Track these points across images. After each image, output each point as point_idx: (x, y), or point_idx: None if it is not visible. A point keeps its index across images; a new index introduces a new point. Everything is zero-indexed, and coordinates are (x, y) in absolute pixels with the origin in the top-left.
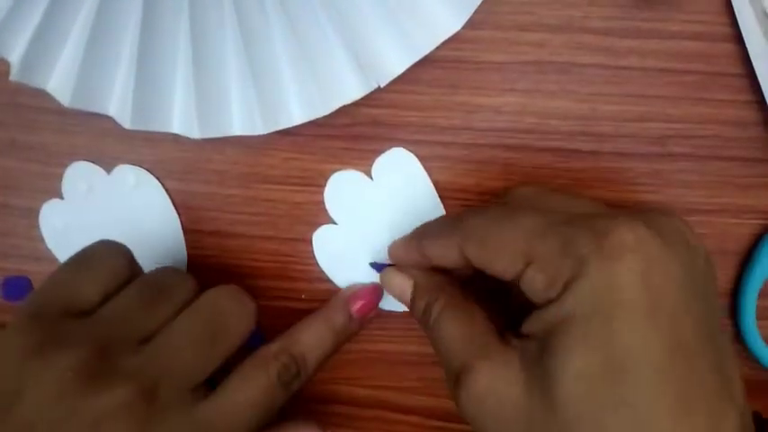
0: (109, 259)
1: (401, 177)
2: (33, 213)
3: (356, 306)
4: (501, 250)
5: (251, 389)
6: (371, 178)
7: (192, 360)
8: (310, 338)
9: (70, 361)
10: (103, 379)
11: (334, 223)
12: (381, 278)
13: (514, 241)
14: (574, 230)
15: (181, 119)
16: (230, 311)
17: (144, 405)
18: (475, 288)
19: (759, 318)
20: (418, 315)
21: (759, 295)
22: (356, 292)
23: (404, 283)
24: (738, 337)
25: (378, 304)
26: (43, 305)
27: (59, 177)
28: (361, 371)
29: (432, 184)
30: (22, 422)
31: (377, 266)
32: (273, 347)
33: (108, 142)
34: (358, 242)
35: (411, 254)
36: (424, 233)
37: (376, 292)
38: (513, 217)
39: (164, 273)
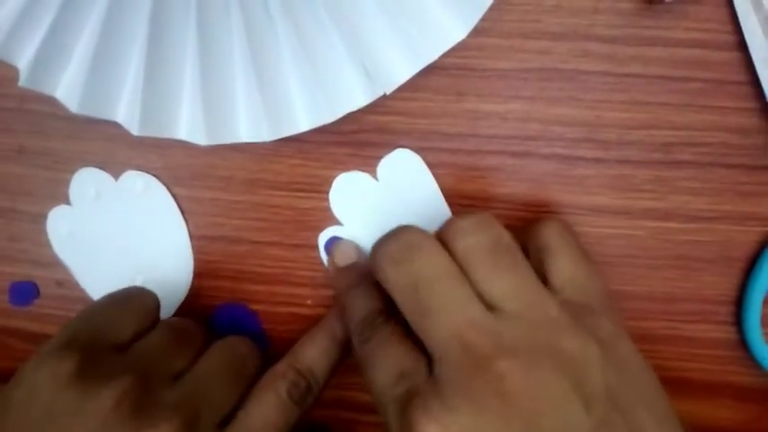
0: (142, 300)
1: (406, 178)
2: (41, 219)
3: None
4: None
5: (265, 411)
6: (377, 179)
7: (221, 395)
8: (314, 351)
9: (111, 392)
10: (146, 412)
11: (340, 224)
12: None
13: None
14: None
15: (188, 125)
16: (245, 353)
17: None
18: None
19: (764, 325)
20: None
21: (764, 302)
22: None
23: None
24: (743, 344)
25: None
26: (77, 336)
27: (67, 183)
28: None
29: (437, 184)
30: None
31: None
32: (280, 367)
33: (116, 148)
34: (363, 243)
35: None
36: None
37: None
38: None
39: (181, 320)
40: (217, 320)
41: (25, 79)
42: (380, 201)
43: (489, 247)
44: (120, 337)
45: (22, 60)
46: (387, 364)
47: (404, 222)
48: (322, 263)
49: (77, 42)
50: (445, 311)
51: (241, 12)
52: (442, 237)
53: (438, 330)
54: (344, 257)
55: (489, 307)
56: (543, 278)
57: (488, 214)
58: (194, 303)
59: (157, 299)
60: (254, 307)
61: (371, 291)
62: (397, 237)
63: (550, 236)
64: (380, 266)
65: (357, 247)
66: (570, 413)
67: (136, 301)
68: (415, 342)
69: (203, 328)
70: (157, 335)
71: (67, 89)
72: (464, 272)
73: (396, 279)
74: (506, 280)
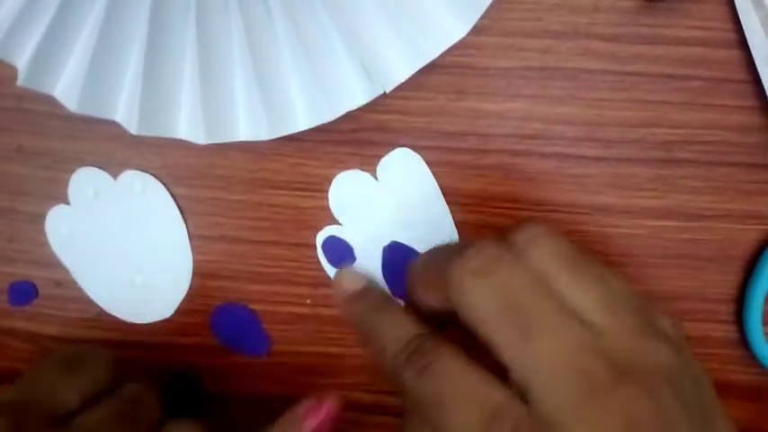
0: (94, 365)
1: (406, 177)
2: (40, 219)
3: (308, 427)
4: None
5: None
6: (376, 178)
7: None
8: None
9: None
10: None
11: (339, 224)
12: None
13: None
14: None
15: (187, 124)
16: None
17: None
18: None
19: (764, 323)
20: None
21: (765, 301)
22: (311, 409)
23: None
24: (744, 342)
25: (333, 424)
26: (14, 401)
27: (66, 183)
28: (367, 377)
29: (436, 184)
30: None
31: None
32: None
33: (114, 148)
34: (362, 242)
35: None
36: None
37: (329, 413)
38: None
39: (139, 391)
40: (216, 320)
41: (24, 78)
42: (380, 200)
43: (564, 254)
44: (62, 408)
45: (21, 60)
46: (469, 402)
47: (403, 222)
48: (321, 262)
49: (76, 41)
50: (550, 332)
51: (240, 10)
52: (510, 247)
53: (544, 355)
54: (354, 283)
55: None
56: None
57: (549, 225)
58: (194, 303)
59: (113, 362)
60: (254, 306)
61: (403, 313)
62: (474, 251)
63: (542, 258)
64: (459, 285)
65: (364, 273)
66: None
67: (86, 365)
68: (476, 360)
69: (160, 401)
70: (105, 410)
71: (66, 88)
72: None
73: (482, 295)
74: (593, 292)
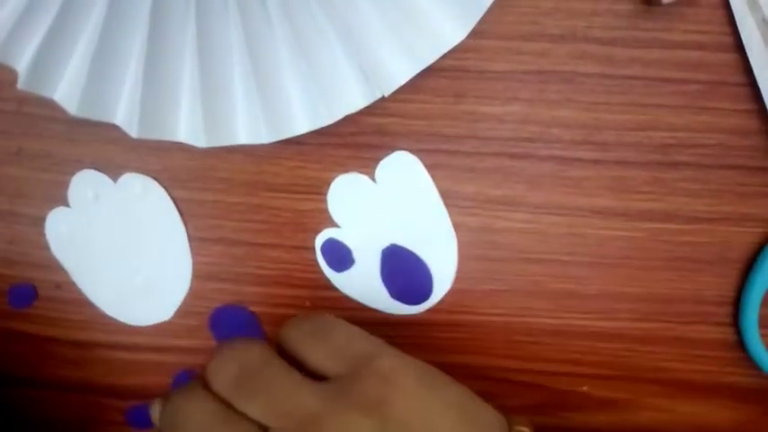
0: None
1: (405, 180)
2: (40, 221)
3: None
4: None
5: None
6: (375, 181)
7: None
8: None
9: None
10: None
11: (337, 227)
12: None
13: None
14: None
15: (187, 127)
16: None
17: None
18: None
19: (761, 326)
20: None
21: (761, 304)
22: None
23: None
24: (741, 345)
25: None
26: None
27: (66, 185)
28: None
29: (435, 187)
30: None
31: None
32: None
33: (114, 151)
34: (361, 245)
35: None
36: None
37: None
38: None
39: None
40: (216, 322)
41: (24, 82)
42: (378, 202)
43: (234, 380)
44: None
45: (21, 63)
46: None
47: (401, 225)
48: (320, 264)
49: (76, 45)
50: None
51: (240, 14)
52: (203, 383)
53: None
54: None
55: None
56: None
57: (236, 342)
58: (193, 305)
59: None
60: (254, 309)
61: None
62: (165, 408)
63: (287, 342)
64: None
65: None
66: None
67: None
68: None
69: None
70: None
71: (66, 91)
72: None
73: None
74: (257, 400)
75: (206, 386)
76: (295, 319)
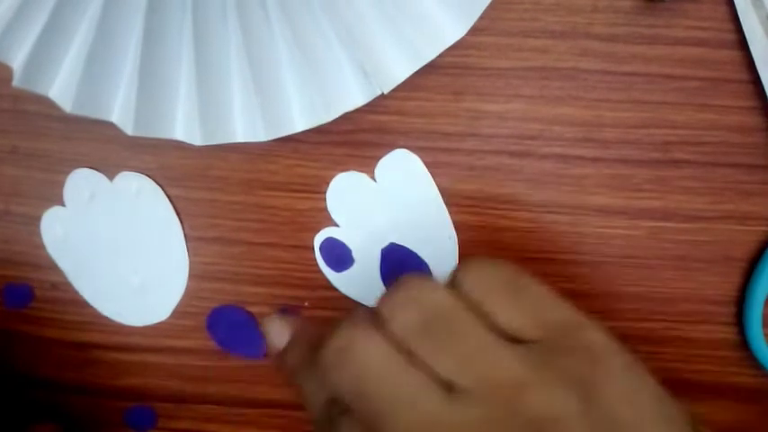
0: None
1: (404, 178)
2: (35, 221)
3: None
4: None
5: None
6: (374, 180)
7: None
8: None
9: None
10: None
11: (337, 226)
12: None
13: None
14: None
15: (183, 125)
16: None
17: None
18: None
19: (765, 325)
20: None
21: (765, 302)
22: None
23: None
24: (744, 344)
25: None
26: None
27: (61, 184)
28: None
29: (435, 185)
30: None
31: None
32: None
33: (110, 149)
34: (360, 244)
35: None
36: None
37: None
38: None
39: None
40: (213, 322)
41: (19, 79)
42: (378, 201)
43: (422, 323)
44: None
45: (17, 61)
46: None
47: (401, 224)
48: (318, 264)
49: (72, 42)
50: (397, 413)
51: (237, 11)
52: (377, 319)
53: None
54: (279, 336)
55: (446, 385)
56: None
57: (418, 280)
58: (190, 305)
59: None
60: (251, 308)
61: (315, 375)
62: (332, 339)
63: (470, 288)
64: (325, 374)
65: (289, 321)
66: None
67: None
68: None
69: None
70: None
71: (62, 89)
72: (409, 354)
73: (339, 387)
74: (449, 354)
75: (377, 324)
76: (476, 263)
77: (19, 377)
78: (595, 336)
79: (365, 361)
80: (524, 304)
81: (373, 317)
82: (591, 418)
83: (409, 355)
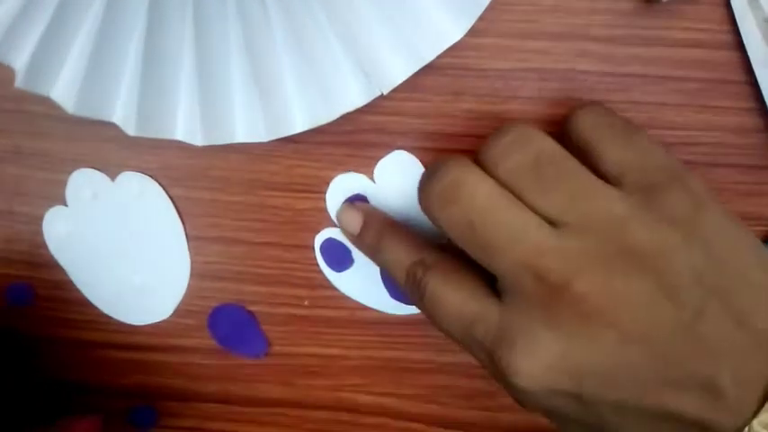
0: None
1: (403, 180)
2: (37, 220)
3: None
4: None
5: None
6: (374, 181)
7: None
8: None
9: None
10: None
11: (337, 226)
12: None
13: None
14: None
15: (184, 126)
16: None
17: None
18: None
19: None
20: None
21: None
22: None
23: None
24: None
25: None
26: None
27: (63, 184)
28: (364, 378)
29: None
30: None
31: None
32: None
33: (112, 149)
34: None
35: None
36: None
37: None
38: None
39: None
40: (214, 321)
41: (21, 80)
42: (377, 203)
43: (530, 163)
44: None
45: (19, 61)
46: (452, 317)
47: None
48: (318, 263)
49: (74, 43)
50: (507, 243)
51: (238, 12)
52: (482, 163)
53: (504, 263)
54: (352, 225)
55: (551, 223)
56: (599, 175)
57: (522, 127)
58: (191, 304)
59: None
60: (252, 308)
61: (401, 240)
62: (439, 176)
63: (584, 129)
64: (429, 211)
65: (359, 207)
66: (660, 312)
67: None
68: (468, 271)
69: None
70: None
71: (64, 90)
72: (515, 195)
73: (448, 221)
74: (557, 193)
75: (484, 167)
76: (592, 108)
77: (20, 376)
78: (698, 185)
79: (477, 195)
80: (634, 148)
81: (478, 161)
82: (693, 254)
83: (517, 194)
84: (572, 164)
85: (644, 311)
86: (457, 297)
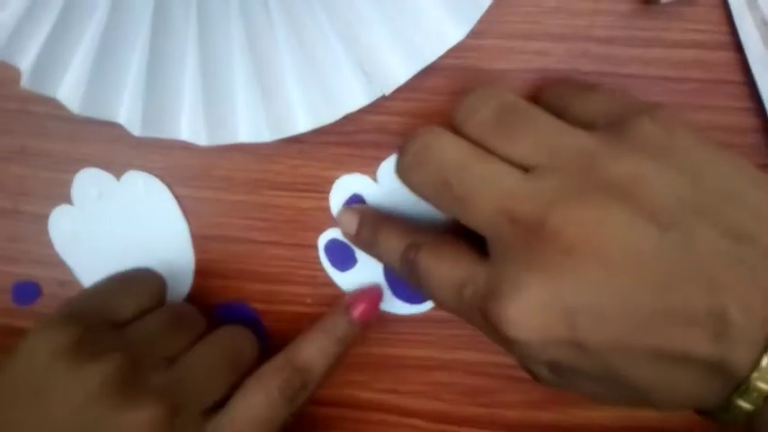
0: (147, 282)
1: None
2: (43, 219)
3: (357, 311)
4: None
5: (253, 405)
6: (377, 182)
7: (210, 384)
8: (313, 349)
9: (100, 369)
10: (133, 393)
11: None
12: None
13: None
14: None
15: (189, 126)
16: (242, 344)
17: (168, 424)
18: None
19: None
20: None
21: None
22: (356, 296)
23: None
24: None
25: (378, 305)
26: (78, 311)
27: (69, 184)
28: (364, 374)
29: None
30: (40, 423)
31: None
32: (276, 362)
33: (117, 149)
34: None
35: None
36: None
37: (375, 294)
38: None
39: (184, 305)
40: (218, 319)
41: (27, 81)
42: (380, 203)
43: (494, 116)
44: (119, 317)
45: (25, 62)
46: (444, 286)
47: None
48: (321, 262)
49: (79, 44)
50: (479, 193)
51: (241, 14)
52: (453, 127)
53: (480, 214)
54: (350, 225)
55: (524, 170)
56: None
57: (488, 86)
58: (195, 302)
59: (164, 282)
60: (255, 306)
61: (391, 232)
62: (409, 144)
63: (551, 97)
64: (404, 178)
65: (354, 209)
66: (644, 236)
67: (140, 282)
68: (456, 243)
69: (206, 317)
70: (157, 317)
71: (69, 91)
72: (486, 149)
73: (422, 183)
74: (524, 138)
75: (452, 129)
76: (553, 82)
77: None
78: (666, 111)
79: (445, 153)
80: (598, 98)
81: (437, 130)
82: (671, 177)
83: (487, 148)
84: (535, 110)
85: (626, 237)
86: (445, 266)
